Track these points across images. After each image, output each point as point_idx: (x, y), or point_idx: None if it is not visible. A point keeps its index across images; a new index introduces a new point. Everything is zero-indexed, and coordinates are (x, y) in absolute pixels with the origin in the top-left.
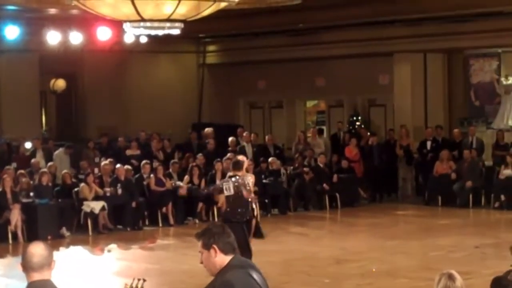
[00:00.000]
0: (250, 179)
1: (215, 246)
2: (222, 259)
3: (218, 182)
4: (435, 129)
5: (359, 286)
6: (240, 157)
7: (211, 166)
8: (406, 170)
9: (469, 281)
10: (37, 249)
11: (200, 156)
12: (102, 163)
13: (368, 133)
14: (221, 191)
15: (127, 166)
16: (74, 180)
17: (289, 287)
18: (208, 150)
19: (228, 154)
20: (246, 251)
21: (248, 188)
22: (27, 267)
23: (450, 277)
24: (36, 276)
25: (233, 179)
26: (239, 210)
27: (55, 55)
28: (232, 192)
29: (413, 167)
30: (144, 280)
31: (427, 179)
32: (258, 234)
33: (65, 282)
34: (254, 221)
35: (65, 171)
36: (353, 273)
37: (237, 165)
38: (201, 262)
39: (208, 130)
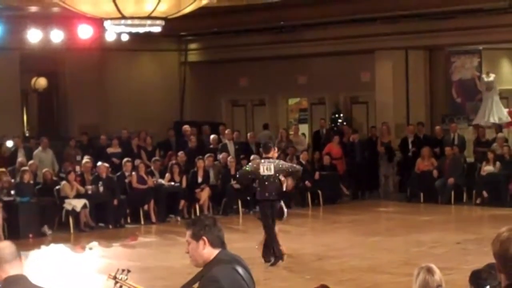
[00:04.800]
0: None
1: (205, 238)
2: (210, 251)
3: (253, 162)
4: (417, 126)
5: (341, 282)
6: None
7: (193, 164)
8: (388, 167)
9: (450, 276)
10: (5, 243)
11: (181, 153)
12: (83, 161)
13: (350, 130)
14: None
15: (104, 164)
16: (55, 178)
17: (271, 284)
18: (190, 148)
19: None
20: (271, 228)
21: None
22: (0, 261)
23: (429, 271)
24: (10, 270)
25: (275, 161)
26: (271, 189)
27: (36, 54)
28: (272, 172)
29: (395, 164)
30: (129, 271)
31: (409, 176)
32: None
33: (47, 280)
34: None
35: (46, 169)
36: (335, 269)
37: (267, 148)
38: (187, 252)
39: (186, 127)
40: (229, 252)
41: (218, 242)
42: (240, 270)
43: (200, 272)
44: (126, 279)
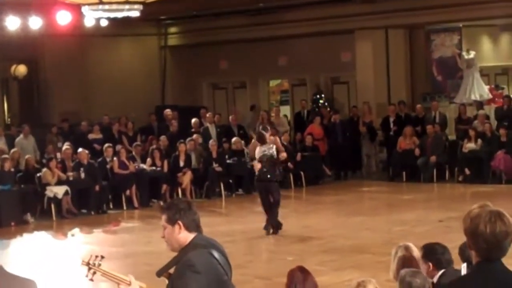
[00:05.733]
0: (273, 147)
1: (180, 222)
2: (185, 236)
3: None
4: (398, 105)
5: (323, 263)
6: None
7: (175, 148)
8: (370, 146)
9: None
10: None
11: (163, 138)
12: (63, 148)
13: (330, 111)
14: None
15: (85, 150)
16: (37, 165)
17: (253, 266)
18: (172, 132)
19: (194, 136)
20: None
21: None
22: None
23: (407, 249)
24: None
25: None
26: (271, 172)
27: (15, 41)
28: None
29: (377, 143)
30: (102, 257)
31: (391, 155)
32: None
33: (29, 268)
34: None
35: (28, 156)
36: (317, 250)
37: (261, 138)
38: (163, 236)
39: (167, 112)
40: (205, 236)
41: (193, 226)
42: (216, 254)
43: (176, 256)
44: (100, 265)
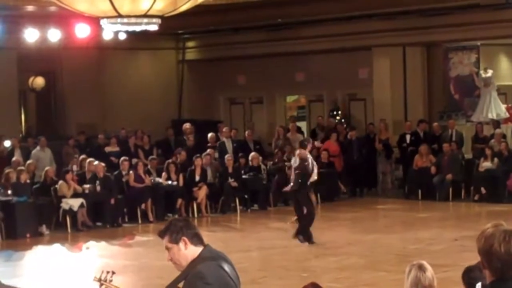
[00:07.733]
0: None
1: (185, 238)
2: (193, 250)
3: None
4: (418, 124)
5: (337, 280)
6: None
7: (191, 162)
8: (386, 164)
9: (447, 273)
10: None
11: (183, 152)
12: (87, 160)
13: (346, 128)
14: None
15: (101, 163)
16: (55, 178)
17: (267, 282)
18: (188, 146)
19: (208, 150)
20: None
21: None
22: None
23: (421, 268)
24: None
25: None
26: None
27: (34, 53)
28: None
29: (393, 161)
30: (113, 273)
31: (407, 172)
32: None
33: (44, 280)
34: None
35: (48, 167)
36: (332, 267)
37: (303, 144)
38: (170, 259)
39: (186, 125)
40: (213, 249)
41: (197, 240)
42: (225, 266)
43: (184, 270)
44: (111, 280)
